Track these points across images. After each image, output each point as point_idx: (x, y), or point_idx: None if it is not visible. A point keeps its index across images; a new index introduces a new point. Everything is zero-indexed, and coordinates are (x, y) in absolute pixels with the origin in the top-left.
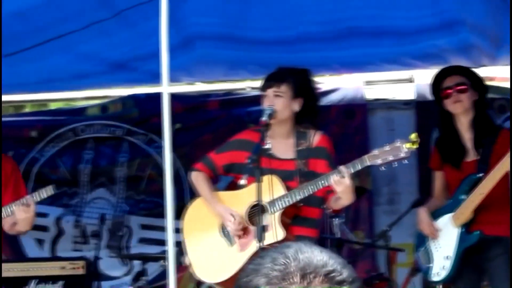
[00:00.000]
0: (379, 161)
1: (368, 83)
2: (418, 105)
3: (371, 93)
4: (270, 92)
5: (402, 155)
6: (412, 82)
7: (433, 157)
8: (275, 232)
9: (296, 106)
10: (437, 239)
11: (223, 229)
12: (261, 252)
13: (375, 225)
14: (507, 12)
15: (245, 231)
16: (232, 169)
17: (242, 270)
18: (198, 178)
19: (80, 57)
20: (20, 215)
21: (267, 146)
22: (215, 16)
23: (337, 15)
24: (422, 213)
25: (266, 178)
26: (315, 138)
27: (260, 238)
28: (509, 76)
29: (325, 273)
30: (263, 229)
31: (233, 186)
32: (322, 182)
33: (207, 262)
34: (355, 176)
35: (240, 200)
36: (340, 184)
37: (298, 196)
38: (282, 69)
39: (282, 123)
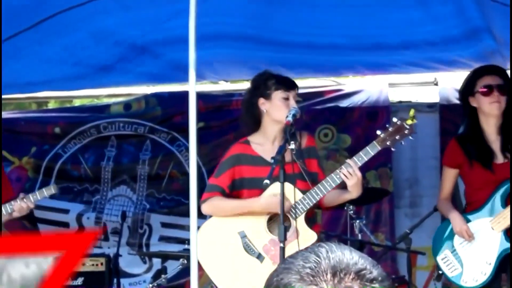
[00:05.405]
0: (388, 143)
1: (392, 85)
2: (442, 108)
3: (395, 95)
4: (293, 94)
5: (407, 131)
6: (436, 85)
7: (451, 153)
8: (307, 235)
9: None
10: (470, 244)
11: (246, 247)
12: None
13: (396, 228)
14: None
15: (271, 243)
16: (235, 186)
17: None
18: (213, 203)
19: (96, 35)
20: (20, 211)
21: (291, 147)
22: (239, 16)
23: (365, 32)
24: (458, 217)
25: (274, 186)
26: (304, 138)
27: (283, 238)
28: None
29: (356, 271)
30: (285, 229)
31: None
32: (338, 177)
33: (242, 285)
34: (378, 179)
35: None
36: (352, 177)
37: (318, 196)
38: (280, 76)
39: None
